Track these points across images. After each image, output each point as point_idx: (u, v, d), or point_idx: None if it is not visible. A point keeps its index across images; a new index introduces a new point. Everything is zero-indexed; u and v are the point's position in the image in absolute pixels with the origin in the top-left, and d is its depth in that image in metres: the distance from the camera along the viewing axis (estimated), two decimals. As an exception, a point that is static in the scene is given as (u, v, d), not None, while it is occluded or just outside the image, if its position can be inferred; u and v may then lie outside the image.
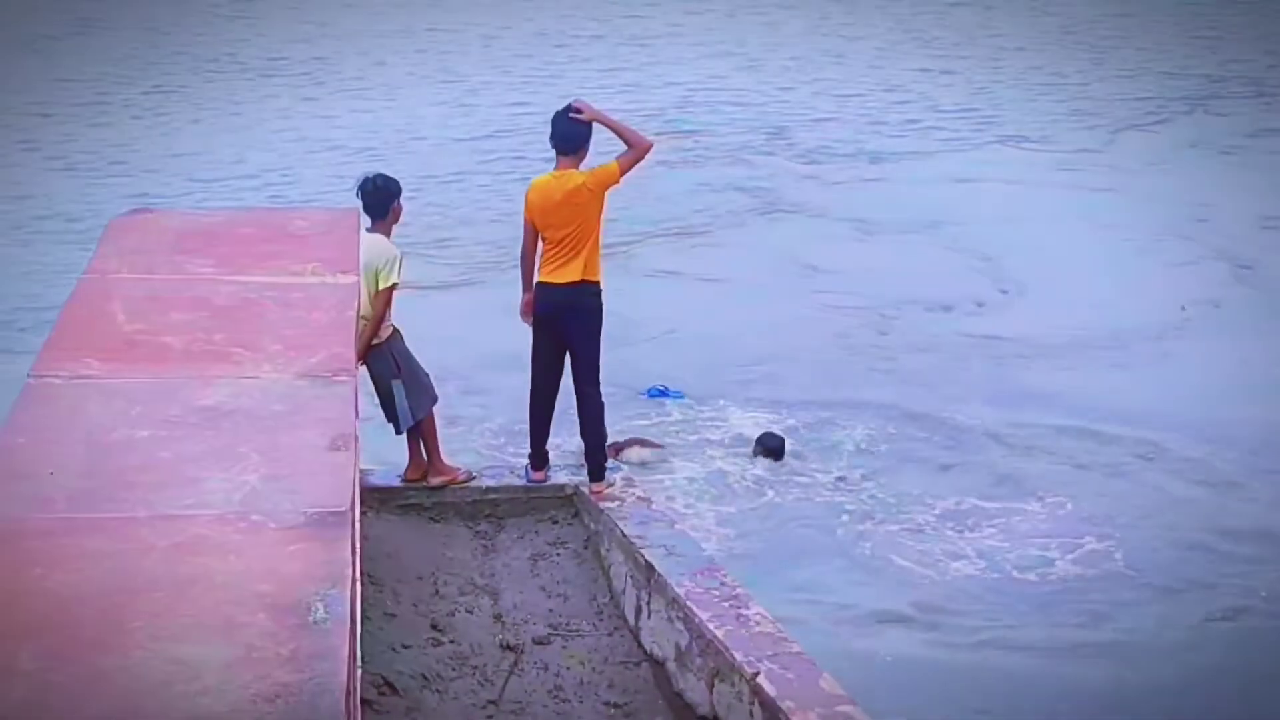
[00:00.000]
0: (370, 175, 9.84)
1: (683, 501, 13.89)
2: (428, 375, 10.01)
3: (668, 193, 25.05)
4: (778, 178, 26.66)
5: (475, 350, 16.04)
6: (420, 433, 10.03)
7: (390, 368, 9.71)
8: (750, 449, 15.06)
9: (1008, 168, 27.25)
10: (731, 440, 15.35)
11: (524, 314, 9.95)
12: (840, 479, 14.42)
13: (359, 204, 9.45)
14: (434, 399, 10.06)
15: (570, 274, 9.58)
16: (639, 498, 9.87)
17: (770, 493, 14.25)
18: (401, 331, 9.88)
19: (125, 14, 41.30)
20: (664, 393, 16.48)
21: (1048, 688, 11.12)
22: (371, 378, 9.64)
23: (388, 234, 9.66)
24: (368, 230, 8.96)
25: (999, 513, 13.73)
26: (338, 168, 24.81)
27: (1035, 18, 43.22)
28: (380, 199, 9.66)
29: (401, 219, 9.93)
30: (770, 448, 15.11)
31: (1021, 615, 12.08)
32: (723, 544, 12.98)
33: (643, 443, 14.87)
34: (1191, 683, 11.22)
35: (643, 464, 14.62)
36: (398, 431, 9.98)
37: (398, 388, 9.75)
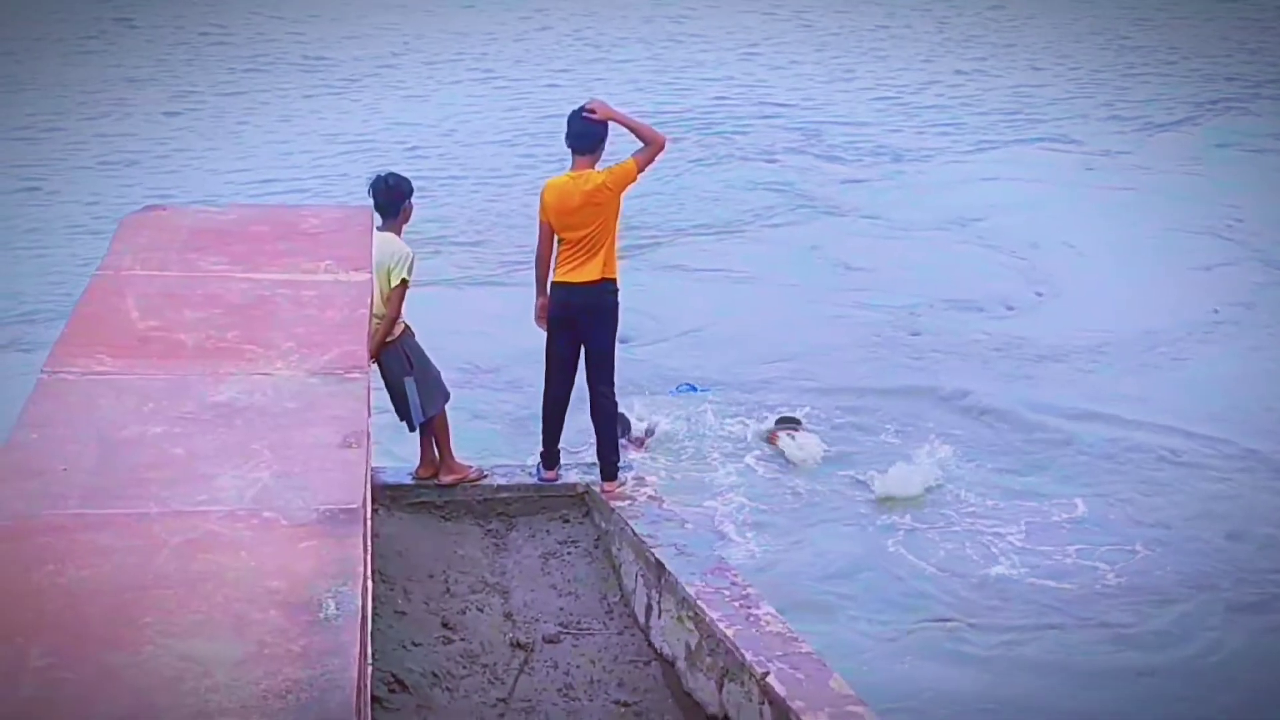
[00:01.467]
0: (382, 174, 9.84)
1: (712, 501, 13.94)
2: (439, 373, 10.02)
3: (701, 191, 25.21)
4: (811, 177, 26.69)
5: (510, 345, 16.06)
6: (432, 430, 10.04)
7: (403, 365, 9.72)
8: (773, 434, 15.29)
9: (1041, 168, 27.20)
10: (757, 437, 15.43)
11: (539, 318, 9.93)
12: (865, 478, 14.42)
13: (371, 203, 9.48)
14: (446, 396, 10.07)
15: (590, 273, 9.57)
16: (650, 497, 9.87)
17: (800, 489, 14.27)
18: (414, 329, 9.89)
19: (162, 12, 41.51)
20: (692, 389, 16.54)
21: (1072, 693, 11.12)
22: (384, 375, 9.65)
23: (399, 233, 9.66)
24: (379, 229, 8.96)
25: (1029, 513, 13.71)
26: (380, 166, 24.94)
27: (1073, 20, 43.15)
28: (392, 198, 9.66)
29: (412, 219, 9.93)
30: (786, 427, 15.38)
31: (1048, 616, 12.07)
32: (748, 543, 13.05)
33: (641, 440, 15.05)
34: (1221, 684, 11.23)
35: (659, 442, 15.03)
36: (411, 429, 10.00)
37: (410, 385, 9.76)
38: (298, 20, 41.62)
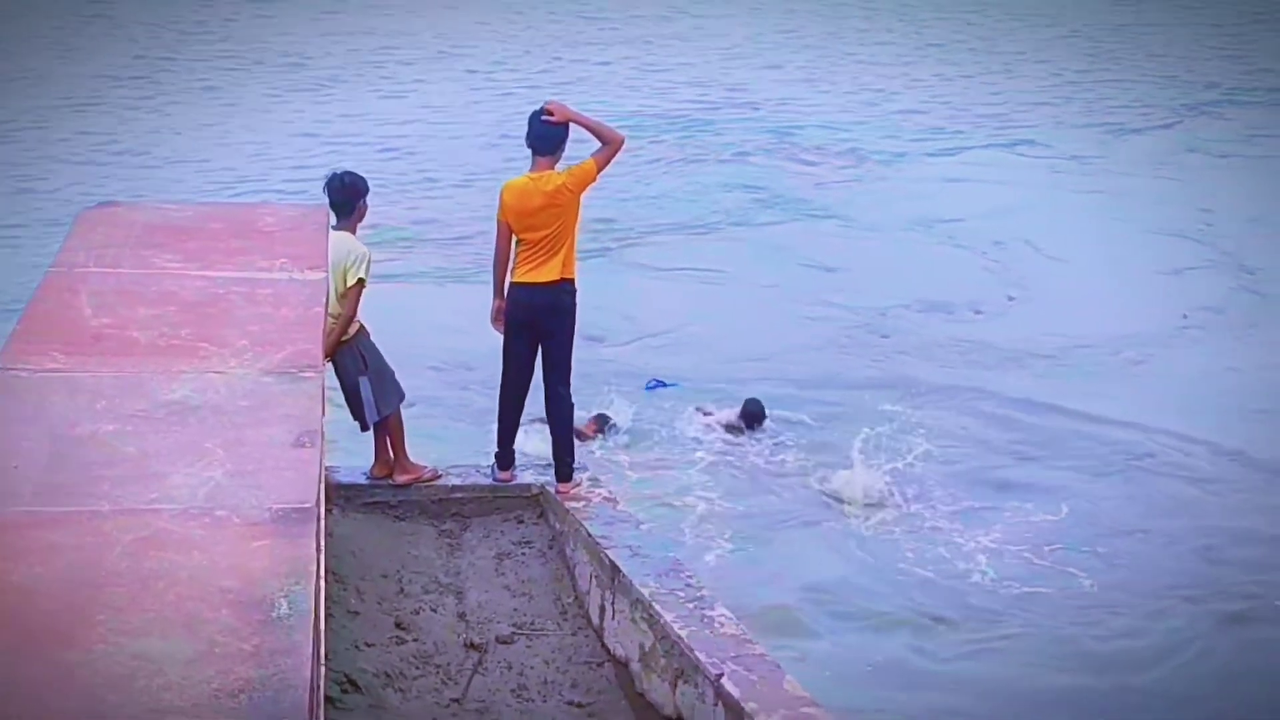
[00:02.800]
0: (338, 172, 9.79)
1: (680, 493, 13.98)
2: (394, 373, 9.98)
3: (677, 191, 25.41)
4: (785, 178, 26.87)
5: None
6: (387, 430, 10.01)
7: (358, 364, 9.67)
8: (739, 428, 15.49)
9: (1014, 171, 27.58)
10: (726, 433, 15.55)
11: (495, 320, 9.91)
12: (829, 477, 14.47)
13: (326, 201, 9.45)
14: (401, 397, 10.03)
15: (549, 273, 9.55)
16: (605, 498, 9.86)
17: (768, 488, 14.33)
18: (369, 328, 9.85)
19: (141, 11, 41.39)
20: (661, 384, 16.75)
21: (1048, 694, 11.14)
22: (338, 374, 9.61)
23: (354, 231, 9.61)
24: (334, 228, 8.92)
25: (999, 516, 13.79)
26: (380, 164, 25.33)
27: (1049, 25, 43.56)
28: (347, 196, 9.61)
29: (367, 218, 9.88)
30: (752, 413, 15.64)
31: (1020, 620, 12.09)
32: (719, 537, 13.07)
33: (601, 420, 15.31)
34: (1199, 690, 11.26)
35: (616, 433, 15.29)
36: (364, 429, 9.95)
37: (364, 383, 9.71)
38: (276, 18, 41.65)
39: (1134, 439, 15.51)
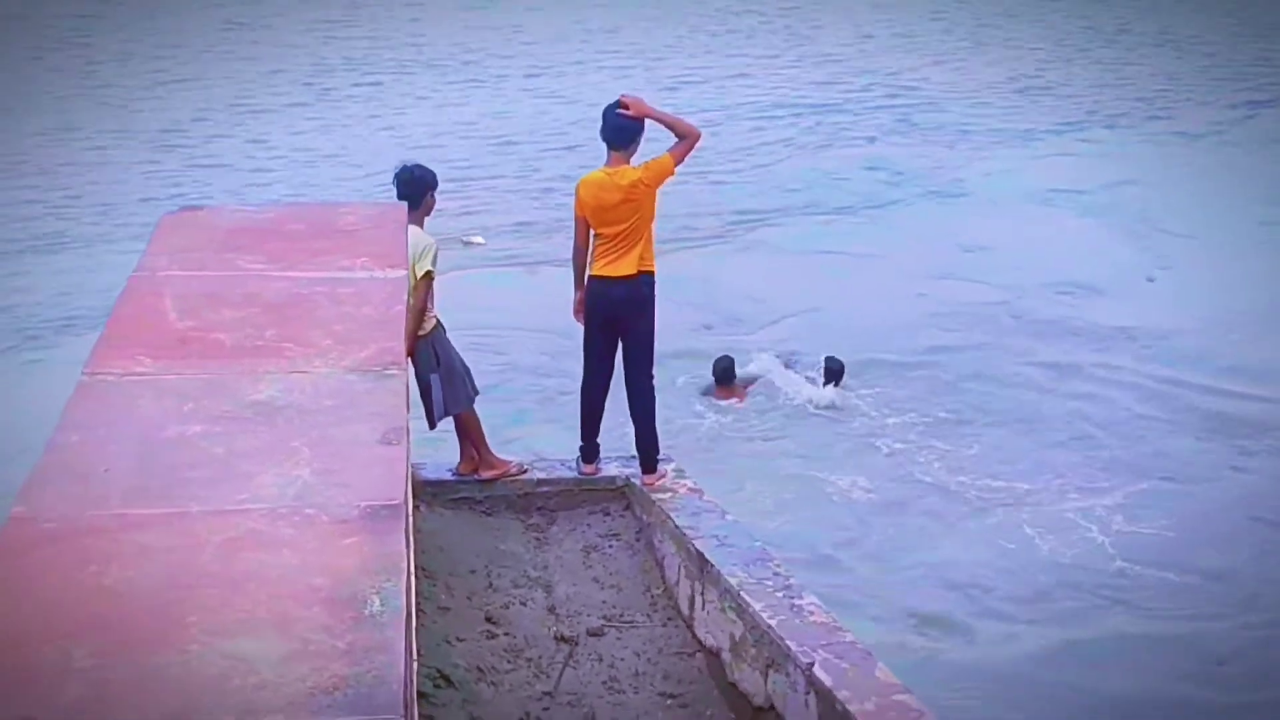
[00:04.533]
0: (407, 164, 9.81)
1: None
2: (469, 371, 9.97)
3: (802, 175, 25.49)
4: (913, 159, 27.07)
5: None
6: (464, 427, 10.02)
7: (431, 361, 9.67)
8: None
9: (1139, 147, 27.55)
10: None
11: (576, 312, 9.92)
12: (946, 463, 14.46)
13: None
14: (471, 396, 10.00)
15: (627, 266, 9.55)
16: (690, 489, 9.85)
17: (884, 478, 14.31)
18: (444, 324, 9.84)
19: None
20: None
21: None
22: (415, 370, 9.62)
23: (421, 224, 9.59)
24: None
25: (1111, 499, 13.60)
26: (483, 154, 26.13)
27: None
28: (415, 189, 9.60)
29: (434, 211, 9.89)
30: (833, 370, 16.15)
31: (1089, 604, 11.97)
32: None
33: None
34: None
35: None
36: (430, 426, 9.91)
37: (435, 381, 9.70)
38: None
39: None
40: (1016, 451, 14.72)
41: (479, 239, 21.15)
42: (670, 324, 16.93)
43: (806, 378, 16.25)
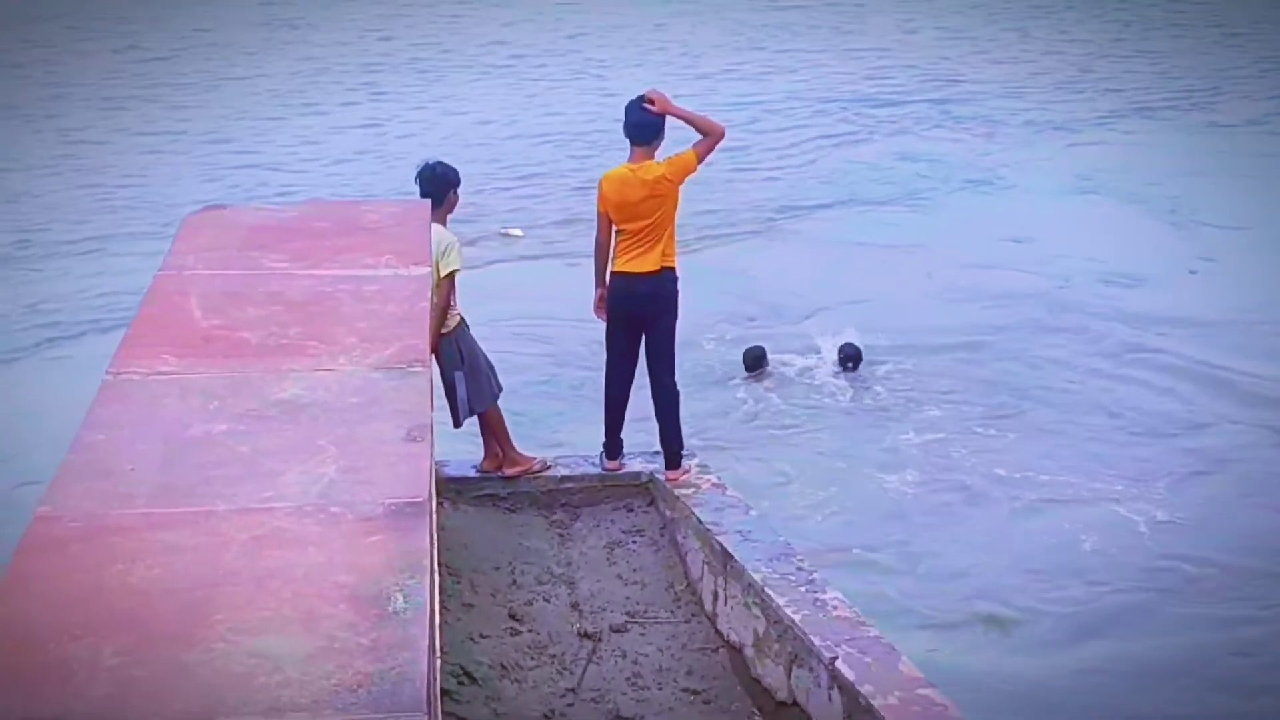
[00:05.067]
0: (430, 161, 9.79)
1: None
2: (493, 368, 9.98)
3: (843, 168, 25.61)
4: (952, 149, 27.09)
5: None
6: (488, 424, 10.03)
7: (455, 359, 9.66)
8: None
9: (1182, 136, 27.44)
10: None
11: (598, 308, 9.92)
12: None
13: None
14: (495, 394, 10.00)
15: (650, 263, 9.54)
16: (714, 484, 9.85)
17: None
18: (468, 321, 9.84)
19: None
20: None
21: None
22: (439, 368, 9.62)
23: (444, 222, 9.57)
24: None
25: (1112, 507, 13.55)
26: (527, 149, 26.33)
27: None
28: (438, 186, 9.58)
29: (457, 209, 9.89)
30: (849, 356, 16.31)
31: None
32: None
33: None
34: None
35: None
36: (456, 424, 9.93)
37: (459, 379, 9.70)
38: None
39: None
40: (1057, 442, 14.59)
41: (517, 231, 21.41)
42: (713, 314, 17.10)
43: (827, 363, 16.33)
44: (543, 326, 17.45)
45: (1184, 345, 17.09)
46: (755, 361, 16.34)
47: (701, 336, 16.64)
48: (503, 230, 21.85)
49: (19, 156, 26.66)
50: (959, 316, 18.12)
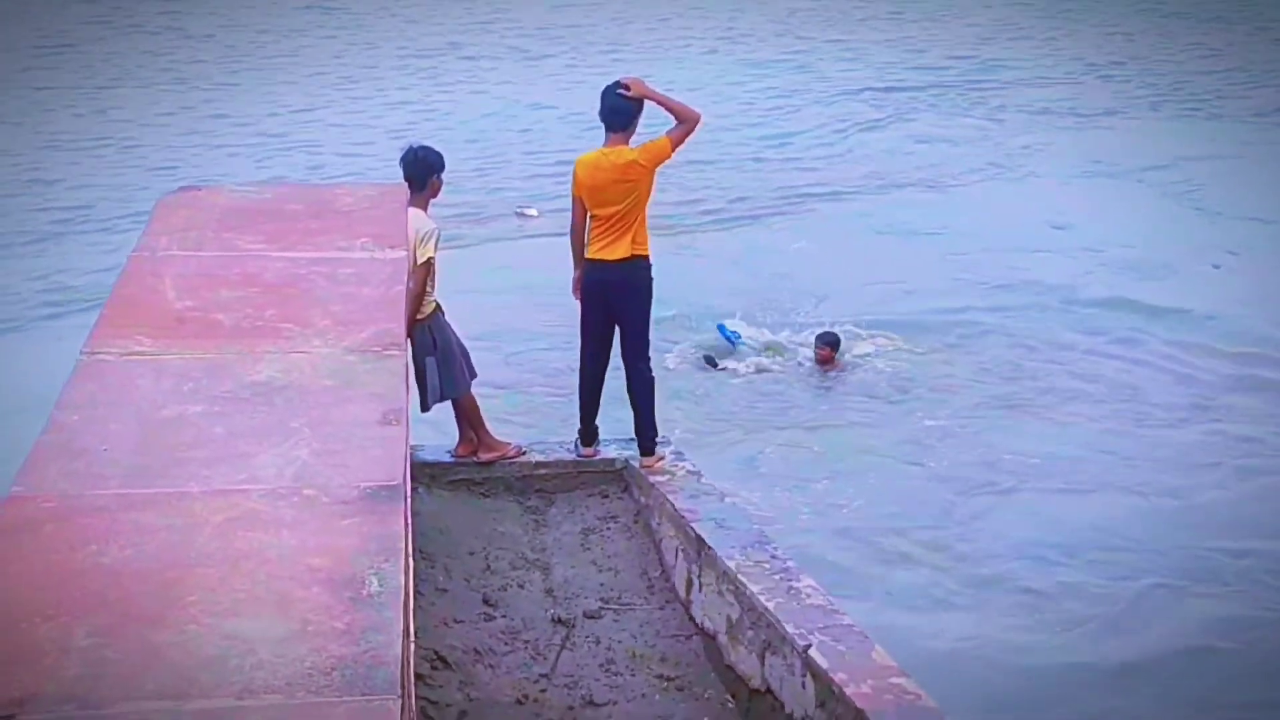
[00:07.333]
0: (413, 145, 9.76)
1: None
2: (467, 355, 9.94)
3: (872, 152, 25.84)
4: (987, 137, 27.20)
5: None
6: (462, 410, 10.01)
7: (428, 344, 9.62)
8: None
9: (1206, 127, 27.52)
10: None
11: (575, 290, 9.92)
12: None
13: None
14: (468, 381, 9.97)
15: (621, 250, 9.54)
16: (689, 471, 9.85)
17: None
18: (444, 307, 9.80)
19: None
20: (724, 333, 17.02)
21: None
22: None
23: (424, 208, 9.53)
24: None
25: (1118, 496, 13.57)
26: (555, 129, 26.64)
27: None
28: (420, 170, 9.54)
29: (440, 194, 9.85)
30: (828, 342, 16.34)
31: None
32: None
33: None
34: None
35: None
36: (423, 409, 9.86)
37: (430, 364, 9.64)
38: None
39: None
40: (1078, 430, 14.64)
41: (533, 211, 21.81)
42: (739, 296, 17.17)
43: (803, 349, 16.38)
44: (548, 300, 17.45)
45: (1208, 334, 17.11)
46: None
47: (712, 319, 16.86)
48: (519, 209, 22.23)
49: (57, 135, 26.87)
50: (982, 300, 18.19)
